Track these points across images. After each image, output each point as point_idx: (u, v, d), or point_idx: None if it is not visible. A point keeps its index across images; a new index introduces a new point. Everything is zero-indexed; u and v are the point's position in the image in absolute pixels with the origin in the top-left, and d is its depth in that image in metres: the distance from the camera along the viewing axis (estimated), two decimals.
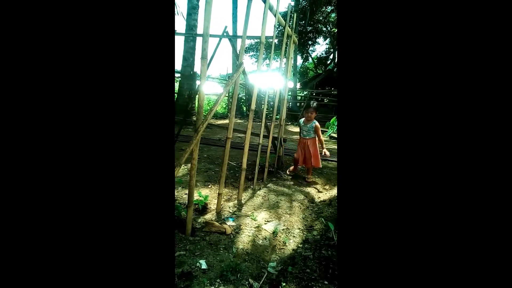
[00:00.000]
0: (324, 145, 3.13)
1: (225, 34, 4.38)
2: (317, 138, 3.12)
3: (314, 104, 3.12)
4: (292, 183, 3.03)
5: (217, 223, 1.88)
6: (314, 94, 13.01)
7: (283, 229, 1.96)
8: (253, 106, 2.28)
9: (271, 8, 2.44)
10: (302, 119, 3.23)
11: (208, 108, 12.60)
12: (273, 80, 3.45)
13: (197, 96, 5.26)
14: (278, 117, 3.62)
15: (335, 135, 8.14)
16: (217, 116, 11.69)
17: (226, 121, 9.67)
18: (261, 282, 1.39)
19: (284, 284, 1.35)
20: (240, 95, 14.06)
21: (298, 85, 16.63)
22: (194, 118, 8.07)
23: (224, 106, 13.14)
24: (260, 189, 2.72)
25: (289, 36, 2.88)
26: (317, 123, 3.11)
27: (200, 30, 7.51)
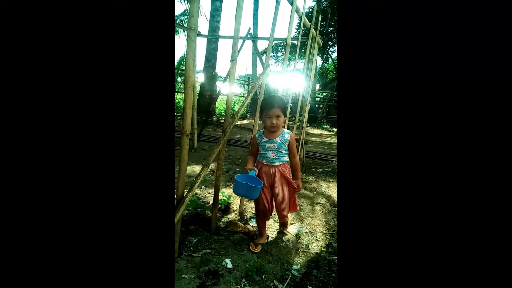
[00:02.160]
0: (300, 182, 1.72)
1: (248, 35, 4.42)
2: (289, 163, 1.71)
3: (280, 100, 1.60)
4: (313, 186, 3.00)
5: (241, 223, 1.90)
6: (334, 95, 12.80)
7: (306, 232, 1.95)
8: None
9: (297, 10, 2.44)
10: (260, 132, 1.71)
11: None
12: (294, 81, 3.19)
13: (217, 96, 5.26)
14: (300, 118, 3.60)
15: None
16: None
17: (246, 121, 9.73)
18: (285, 284, 1.39)
19: (310, 287, 1.34)
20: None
21: (318, 86, 16.43)
22: (215, 118, 8.18)
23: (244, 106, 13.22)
24: None
25: (313, 38, 2.86)
26: (291, 134, 1.67)
27: (222, 32, 7.58)
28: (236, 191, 1.54)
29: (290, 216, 2.17)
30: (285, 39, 2.19)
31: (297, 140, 3.27)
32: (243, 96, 14.61)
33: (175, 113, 8.40)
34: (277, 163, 1.65)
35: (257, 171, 1.63)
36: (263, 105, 1.65)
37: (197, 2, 1.17)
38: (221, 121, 8.94)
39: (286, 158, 1.69)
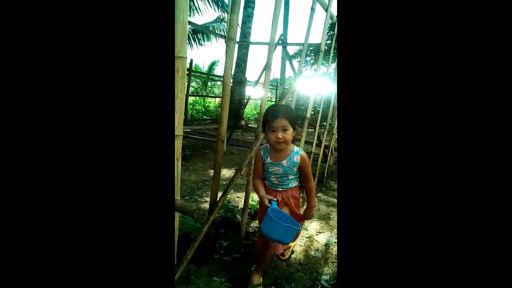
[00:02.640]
0: (312, 212, 1.42)
1: (280, 41, 4.46)
2: (300, 191, 1.48)
3: (286, 109, 1.29)
4: None
5: None
6: None
7: (335, 242, 1.90)
8: (308, 115, 2.27)
9: (331, 17, 2.42)
10: (265, 148, 1.40)
11: (255, 112, 12.86)
12: (325, 85, 3.14)
13: (247, 101, 5.31)
14: (330, 123, 3.54)
15: None
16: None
17: None
18: None
19: None
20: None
21: None
22: (243, 123, 8.30)
23: None
24: None
25: None
26: (303, 154, 1.33)
27: (252, 37, 7.70)
28: (268, 232, 1.10)
29: (319, 225, 2.13)
30: (317, 45, 2.18)
31: (327, 147, 3.22)
32: (271, 101, 14.65)
33: (206, 117, 8.65)
34: (279, 189, 1.37)
35: (278, 200, 1.28)
36: (265, 116, 1.27)
37: (236, 14, 1.22)
38: (249, 125, 9.05)
39: (294, 183, 1.35)
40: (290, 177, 1.35)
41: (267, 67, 1.56)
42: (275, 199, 1.27)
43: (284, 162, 1.31)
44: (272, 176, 1.37)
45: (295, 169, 1.33)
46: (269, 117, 1.25)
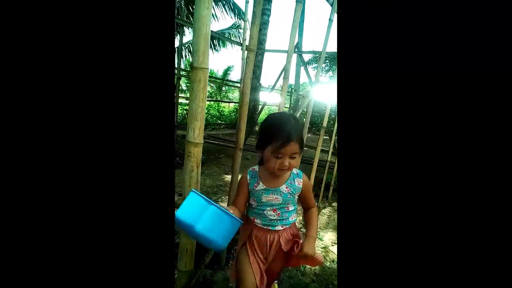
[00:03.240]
0: (313, 245, 0.95)
1: (296, 49, 4.48)
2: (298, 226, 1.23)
3: (298, 128, 0.91)
4: None
5: None
6: None
7: None
8: (325, 123, 2.27)
9: None
10: (254, 172, 1.02)
11: None
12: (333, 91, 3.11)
13: (263, 107, 5.34)
14: None
15: None
16: None
17: None
18: None
19: None
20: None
21: None
22: (257, 128, 8.35)
23: None
24: (325, 207, 2.65)
25: None
26: (305, 178, 1.03)
27: (268, 43, 7.76)
28: (184, 218, 0.79)
29: (334, 236, 2.10)
30: (333, 53, 2.19)
31: None
32: (285, 107, 14.65)
33: (221, 122, 8.75)
34: (279, 227, 0.99)
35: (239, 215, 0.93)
36: (269, 133, 0.90)
37: (257, 26, 1.25)
38: None
39: (294, 217, 1.04)
40: (290, 208, 0.99)
41: (285, 77, 1.58)
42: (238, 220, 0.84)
43: (284, 188, 0.96)
44: (268, 208, 0.97)
45: (296, 196, 1.00)
46: (277, 137, 0.86)
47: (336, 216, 2.47)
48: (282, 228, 0.99)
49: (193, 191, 0.84)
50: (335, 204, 2.77)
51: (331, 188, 2.90)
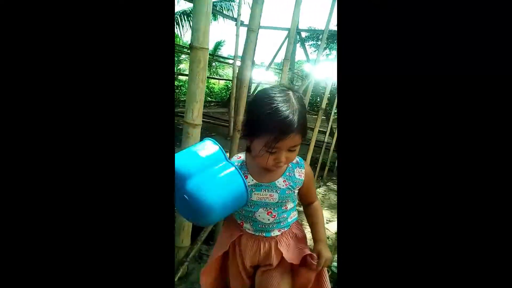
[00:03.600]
0: (325, 250, 0.76)
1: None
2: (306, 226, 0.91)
3: (301, 114, 0.65)
4: None
5: None
6: None
7: None
8: (323, 105, 2.27)
9: None
10: (241, 161, 0.78)
11: None
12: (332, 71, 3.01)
13: (257, 86, 5.28)
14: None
15: None
16: None
17: None
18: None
19: None
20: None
21: None
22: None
23: None
24: (320, 186, 2.72)
25: None
26: (307, 168, 0.79)
27: (263, 21, 7.50)
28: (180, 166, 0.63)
29: (329, 214, 2.18)
30: (334, 32, 2.14)
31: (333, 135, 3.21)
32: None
33: (211, 99, 8.61)
34: (275, 232, 0.79)
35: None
36: (258, 120, 0.66)
37: (260, 5, 1.20)
38: None
39: (294, 215, 0.83)
40: (289, 207, 0.79)
41: (286, 58, 1.55)
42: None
43: (281, 182, 0.75)
44: (260, 210, 0.76)
45: (296, 191, 0.78)
46: (269, 129, 0.64)
47: (330, 195, 2.54)
48: (279, 233, 0.78)
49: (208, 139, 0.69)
50: (329, 183, 2.85)
51: (327, 168, 2.96)
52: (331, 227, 1.97)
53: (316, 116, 2.34)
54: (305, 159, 2.33)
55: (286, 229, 0.80)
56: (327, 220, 2.07)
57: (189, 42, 1.19)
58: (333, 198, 2.49)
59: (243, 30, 3.37)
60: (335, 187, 2.77)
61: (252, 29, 1.25)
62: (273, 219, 0.76)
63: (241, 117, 1.42)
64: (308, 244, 0.85)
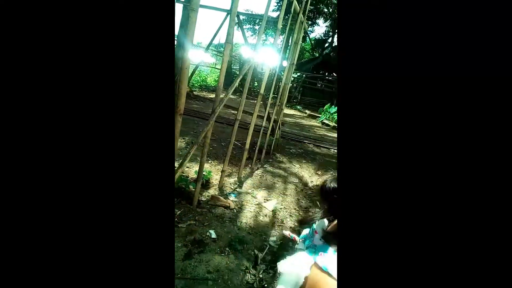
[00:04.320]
0: None
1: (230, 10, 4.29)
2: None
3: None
4: (287, 166, 3.20)
5: (222, 198, 2.03)
6: (308, 76, 13.00)
7: (281, 208, 2.14)
8: (262, 91, 2.36)
9: None
10: (321, 224, 1.06)
11: (198, 79, 12.33)
12: (270, 56, 3.08)
13: (195, 68, 5.08)
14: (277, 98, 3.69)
15: (327, 122, 8.33)
16: (209, 89, 11.58)
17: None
18: (264, 253, 1.57)
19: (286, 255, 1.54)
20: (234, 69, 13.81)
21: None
22: (188, 90, 7.95)
23: (217, 79, 12.96)
24: (257, 169, 2.87)
25: (301, 22, 2.89)
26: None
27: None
28: None
29: (266, 193, 2.34)
30: (275, 19, 2.22)
31: (275, 121, 3.40)
32: (216, 68, 14.20)
33: None
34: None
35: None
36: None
37: None
38: (194, 92, 8.73)
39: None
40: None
41: (227, 42, 1.55)
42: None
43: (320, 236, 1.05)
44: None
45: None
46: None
47: (267, 176, 2.71)
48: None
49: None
50: (266, 166, 3.02)
51: (264, 151, 3.12)
52: (268, 206, 2.12)
53: (255, 101, 2.42)
54: (245, 143, 2.42)
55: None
56: (264, 199, 2.22)
57: None
58: (269, 179, 2.66)
59: (178, 7, 3.16)
60: (271, 168, 2.96)
61: (193, 9, 1.22)
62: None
63: (182, 100, 1.39)
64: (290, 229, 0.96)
